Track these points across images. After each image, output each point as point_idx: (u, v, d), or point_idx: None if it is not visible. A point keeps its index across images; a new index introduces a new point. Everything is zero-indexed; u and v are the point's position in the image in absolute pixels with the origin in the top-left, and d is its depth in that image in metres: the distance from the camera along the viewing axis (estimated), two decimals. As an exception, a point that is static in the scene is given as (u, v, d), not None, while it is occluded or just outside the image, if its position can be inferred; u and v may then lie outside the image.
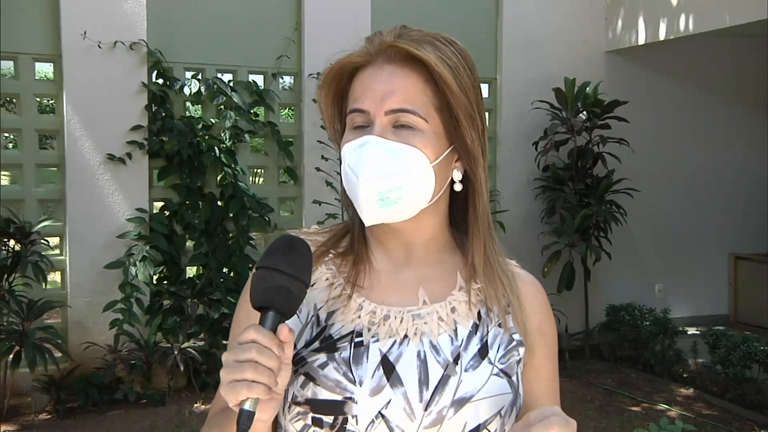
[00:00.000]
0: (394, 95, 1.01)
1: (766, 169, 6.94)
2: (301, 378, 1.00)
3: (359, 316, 1.05)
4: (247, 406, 0.87)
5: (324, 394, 0.99)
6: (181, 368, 4.71)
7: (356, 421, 0.99)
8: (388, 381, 1.00)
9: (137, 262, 4.81)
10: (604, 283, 6.26)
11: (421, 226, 1.08)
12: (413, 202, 1.03)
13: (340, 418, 0.99)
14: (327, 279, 1.09)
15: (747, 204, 6.93)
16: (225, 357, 0.89)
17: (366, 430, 0.99)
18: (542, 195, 6.05)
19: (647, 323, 5.64)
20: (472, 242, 1.10)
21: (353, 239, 1.11)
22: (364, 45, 1.06)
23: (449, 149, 1.05)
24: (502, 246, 1.14)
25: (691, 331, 6.32)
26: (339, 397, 0.99)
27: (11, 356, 4.31)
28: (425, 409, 1.00)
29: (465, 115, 1.03)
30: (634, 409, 4.87)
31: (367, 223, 1.03)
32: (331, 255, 1.11)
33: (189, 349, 4.82)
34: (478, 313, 1.08)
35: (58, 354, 4.50)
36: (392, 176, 1.00)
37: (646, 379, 5.49)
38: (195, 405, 4.73)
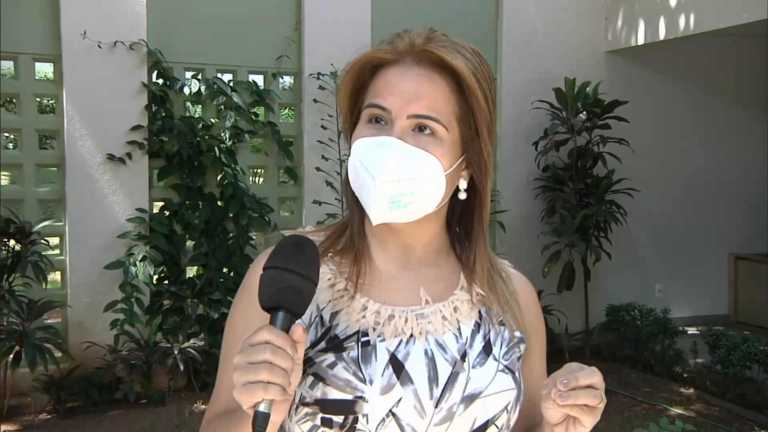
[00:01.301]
0: (421, 100, 1.01)
1: (766, 169, 6.94)
2: (310, 378, 1.00)
3: (364, 316, 1.05)
4: (262, 408, 0.86)
5: (334, 394, 0.99)
6: (181, 368, 4.71)
7: (367, 420, 0.99)
8: (398, 379, 1.00)
9: (137, 262, 4.81)
10: (604, 283, 6.25)
11: (422, 228, 1.09)
12: (421, 207, 1.03)
13: (351, 417, 0.99)
14: (329, 279, 1.08)
15: (747, 204, 6.93)
16: (237, 359, 0.87)
17: (376, 428, 0.99)
18: (542, 195, 6.04)
19: (647, 323, 5.64)
20: (475, 249, 1.11)
21: (353, 237, 1.11)
22: (391, 42, 1.05)
23: (461, 158, 1.06)
24: (501, 246, 1.16)
25: (691, 331, 6.32)
26: (350, 397, 0.99)
27: (11, 356, 4.30)
28: (436, 406, 1.01)
29: (485, 128, 1.05)
30: (634, 409, 4.87)
31: (374, 222, 1.04)
32: (330, 254, 1.11)
33: (189, 349, 4.82)
34: (479, 312, 1.10)
35: (58, 354, 4.50)
36: (407, 181, 1.00)
37: (646, 379, 5.49)
38: (195, 405, 4.73)
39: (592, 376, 0.93)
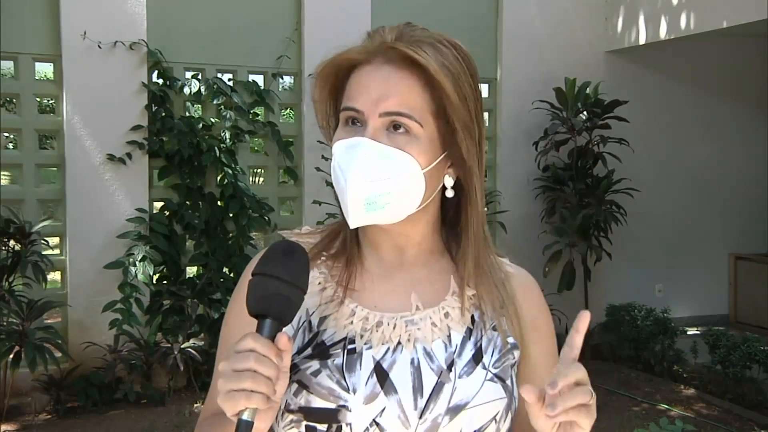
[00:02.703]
0: (390, 98, 0.98)
1: (766, 169, 6.93)
2: (294, 385, 0.99)
3: (352, 323, 1.03)
4: (245, 416, 0.85)
5: (317, 402, 0.98)
6: (181, 368, 4.71)
7: (350, 429, 0.98)
8: (382, 388, 0.99)
9: (137, 262, 4.81)
10: (604, 283, 6.25)
11: (413, 228, 1.06)
12: (401, 208, 1.00)
13: (334, 426, 0.98)
14: (319, 283, 1.07)
15: (747, 204, 6.93)
16: (222, 366, 0.87)
17: None
18: (542, 195, 6.04)
19: (647, 323, 5.63)
20: (464, 250, 1.07)
21: (346, 240, 1.09)
22: (365, 40, 1.03)
23: (442, 156, 1.02)
24: (501, 246, 1.14)
25: (691, 331, 6.31)
26: (332, 405, 0.98)
27: (11, 356, 4.30)
28: (420, 417, 0.98)
29: (462, 125, 1.00)
30: (634, 409, 4.87)
31: (351, 226, 1.02)
32: (323, 257, 1.09)
33: (189, 349, 4.82)
34: (472, 317, 1.07)
35: (58, 354, 4.50)
36: (382, 181, 0.97)
37: (646, 379, 5.49)
38: (195, 405, 4.73)
39: (578, 371, 0.87)
